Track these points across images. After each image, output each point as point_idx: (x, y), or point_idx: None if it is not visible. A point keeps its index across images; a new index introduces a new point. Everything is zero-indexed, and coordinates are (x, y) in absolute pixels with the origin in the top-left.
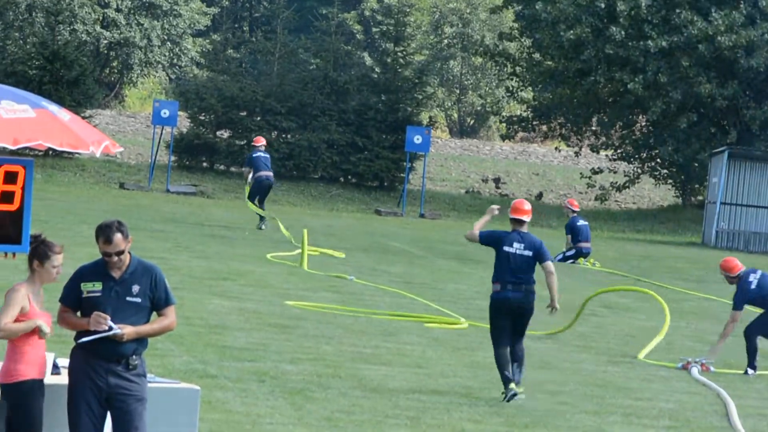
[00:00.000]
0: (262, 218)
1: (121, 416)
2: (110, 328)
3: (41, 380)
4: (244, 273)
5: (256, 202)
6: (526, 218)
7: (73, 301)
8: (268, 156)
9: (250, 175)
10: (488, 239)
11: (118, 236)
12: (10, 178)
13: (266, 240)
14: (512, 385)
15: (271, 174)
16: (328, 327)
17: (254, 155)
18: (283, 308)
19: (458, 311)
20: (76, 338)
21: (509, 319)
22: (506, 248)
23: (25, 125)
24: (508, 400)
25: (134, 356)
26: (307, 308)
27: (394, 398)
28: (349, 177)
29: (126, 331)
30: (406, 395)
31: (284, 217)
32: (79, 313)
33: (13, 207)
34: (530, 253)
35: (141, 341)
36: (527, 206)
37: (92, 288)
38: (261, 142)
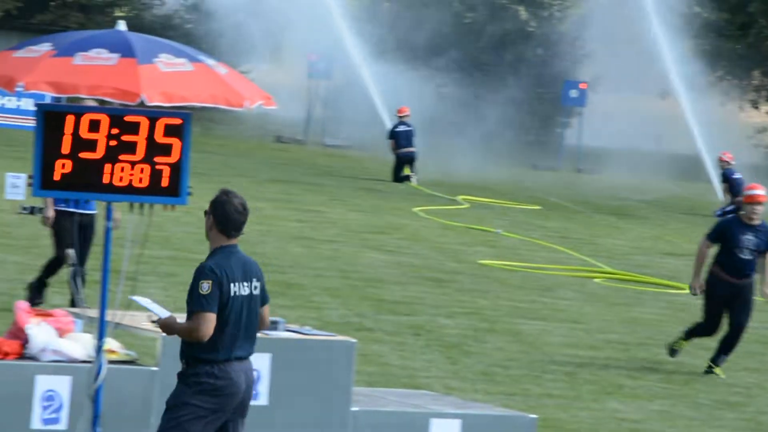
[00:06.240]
0: (408, 177)
1: None
2: None
3: None
4: (399, 227)
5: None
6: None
7: None
8: (411, 128)
9: (393, 149)
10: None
11: None
12: (170, 130)
13: (420, 195)
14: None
15: (413, 150)
16: (484, 281)
17: (397, 129)
18: (438, 262)
19: (616, 267)
20: None
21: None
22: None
23: (183, 79)
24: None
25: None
26: (498, 267)
27: (551, 353)
28: (507, 131)
29: None
30: (563, 350)
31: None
32: None
33: (172, 159)
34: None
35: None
36: (761, 190)
37: None
38: (405, 112)
